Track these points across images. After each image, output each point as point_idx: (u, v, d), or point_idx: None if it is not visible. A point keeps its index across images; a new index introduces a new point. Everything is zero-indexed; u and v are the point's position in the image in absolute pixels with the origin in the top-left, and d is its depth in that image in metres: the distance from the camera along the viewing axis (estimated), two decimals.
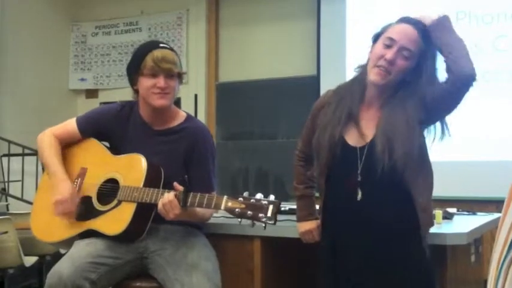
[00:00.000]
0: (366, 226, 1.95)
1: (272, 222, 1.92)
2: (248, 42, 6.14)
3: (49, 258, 4.08)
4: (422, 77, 1.93)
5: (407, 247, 1.94)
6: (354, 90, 2.02)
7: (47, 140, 2.39)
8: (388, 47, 1.93)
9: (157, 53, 2.25)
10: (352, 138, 2.00)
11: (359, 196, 1.95)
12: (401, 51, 1.92)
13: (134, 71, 2.30)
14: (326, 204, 2.07)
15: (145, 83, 2.26)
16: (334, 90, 2.12)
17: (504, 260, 1.00)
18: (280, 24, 5.95)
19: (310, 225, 2.18)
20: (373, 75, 1.95)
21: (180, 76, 2.33)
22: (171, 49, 2.34)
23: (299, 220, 2.22)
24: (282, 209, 2.76)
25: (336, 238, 2.03)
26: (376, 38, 2.01)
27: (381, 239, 1.93)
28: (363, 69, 2.03)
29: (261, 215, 1.91)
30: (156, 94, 2.25)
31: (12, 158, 5.69)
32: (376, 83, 1.96)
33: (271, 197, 1.94)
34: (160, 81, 2.24)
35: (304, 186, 2.21)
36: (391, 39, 1.93)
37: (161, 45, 2.32)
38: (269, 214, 1.91)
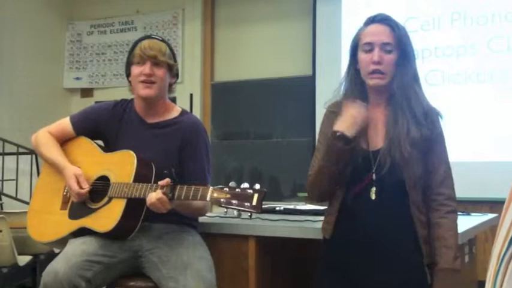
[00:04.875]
0: (378, 226, 1.93)
1: (257, 211, 1.90)
2: (243, 42, 6.14)
3: (43, 257, 4.07)
4: (404, 60, 1.98)
5: (409, 252, 1.93)
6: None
7: (42, 137, 2.41)
8: (369, 51, 1.98)
9: (145, 43, 2.33)
10: (364, 141, 2.00)
11: (373, 195, 1.95)
12: (383, 48, 1.97)
13: (128, 62, 2.37)
14: (341, 205, 2.03)
15: (133, 71, 2.32)
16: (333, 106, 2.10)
17: (504, 256, 1.01)
18: (276, 24, 5.95)
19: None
20: (371, 81, 1.99)
21: (170, 68, 2.34)
22: (163, 40, 2.39)
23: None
24: (277, 208, 2.77)
25: (348, 236, 1.99)
26: (354, 50, 2.05)
27: (389, 240, 1.92)
28: (356, 76, 2.04)
29: (246, 204, 1.89)
30: (142, 83, 2.29)
31: (6, 157, 5.67)
32: (378, 86, 1.99)
33: (257, 186, 1.92)
34: (146, 68, 2.28)
35: None
36: (367, 43, 1.99)
37: (153, 36, 2.41)
38: (254, 203, 1.88)
